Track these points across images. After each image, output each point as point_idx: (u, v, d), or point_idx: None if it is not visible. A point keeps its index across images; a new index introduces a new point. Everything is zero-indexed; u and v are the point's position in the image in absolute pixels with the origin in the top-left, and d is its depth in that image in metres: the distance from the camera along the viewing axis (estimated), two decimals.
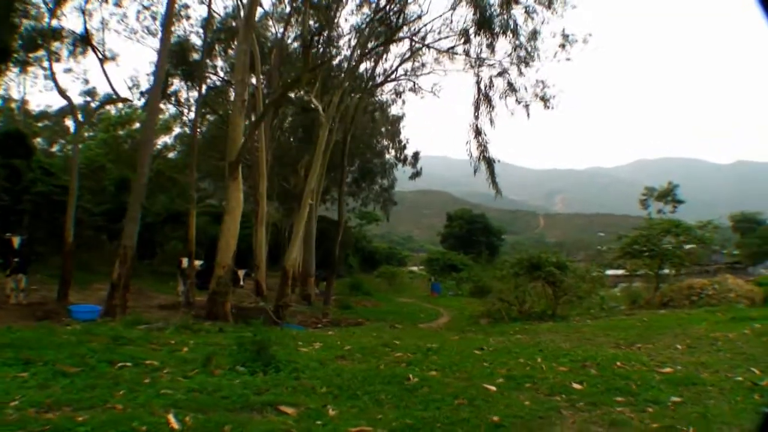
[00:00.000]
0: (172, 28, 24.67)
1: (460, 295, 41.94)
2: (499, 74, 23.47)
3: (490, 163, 22.45)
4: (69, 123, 52.89)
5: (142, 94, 30.67)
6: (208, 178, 53.96)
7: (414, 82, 30.57)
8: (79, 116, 25.64)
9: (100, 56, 23.67)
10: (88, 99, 45.50)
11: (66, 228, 19.02)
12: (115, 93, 25.46)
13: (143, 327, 11.92)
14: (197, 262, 21.73)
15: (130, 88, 32.38)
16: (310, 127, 35.43)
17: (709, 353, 10.80)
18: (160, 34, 20.25)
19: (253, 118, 21.75)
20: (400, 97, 35.54)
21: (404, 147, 44.55)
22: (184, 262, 21.70)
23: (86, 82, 44.22)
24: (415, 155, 44.72)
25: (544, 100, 23.01)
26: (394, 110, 41.55)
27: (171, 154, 52.49)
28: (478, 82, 22.44)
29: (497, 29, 21.26)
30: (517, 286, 20.41)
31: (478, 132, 22.14)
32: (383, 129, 43.35)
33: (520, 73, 23.06)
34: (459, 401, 6.61)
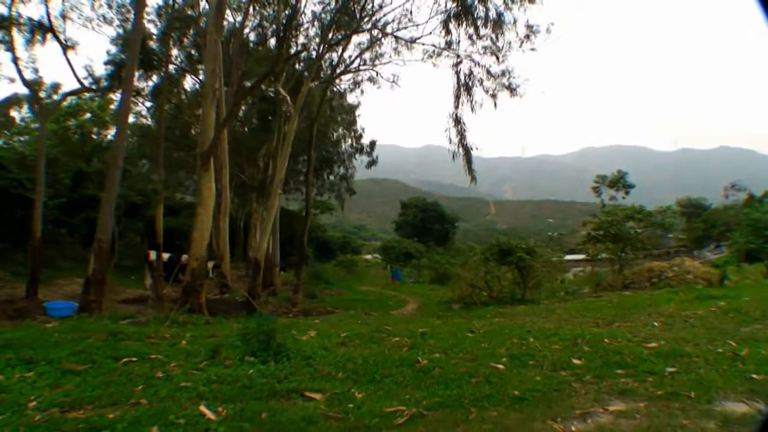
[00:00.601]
0: (129, 16, 24.19)
1: (422, 282, 42.31)
2: (476, 65, 23.60)
3: (467, 150, 22.68)
4: (14, 114, 51.03)
5: (110, 81, 29.57)
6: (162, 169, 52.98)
7: (377, 72, 30.50)
8: (36, 107, 24.75)
9: (63, 44, 22.96)
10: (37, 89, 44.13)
11: (34, 222, 18.24)
12: (80, 82, 24.79)
13: (126, 322, 11.76)
14: (165, 255, 21.33)
15: (85, 78, 31.36)
16: (266, 116, 35.25)
17: (684, 329, 11.35)
18: (132, 20, 19.61)
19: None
20: (358, 86, 35.43)
21: (361, 136, 44.56)
22: (152, 255, 21.27)
23: (36, 71, 42.70)
24: (372, 144, 44.74)
25: (511, 89, 23.27)
26: (351, 99, 41.44)
27: None
28: (457, 73, 22.54)
29: (477, 19, 21.36)
30: (487, 272, 20.78)
31: (457, 121, 22.31)
32: (339, 118, 43.20)
33: (497, 62, 23.17)
34: (476, 379, 6.86)
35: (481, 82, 22.68)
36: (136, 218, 38.44)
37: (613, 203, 52.68)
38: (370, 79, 32.53)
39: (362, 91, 37.72)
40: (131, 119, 45.65)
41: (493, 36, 22.13)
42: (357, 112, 42.97)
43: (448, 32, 22.40)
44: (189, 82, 37.25)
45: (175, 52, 33.13)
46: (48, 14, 22.90)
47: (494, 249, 21.12)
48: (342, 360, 7.77)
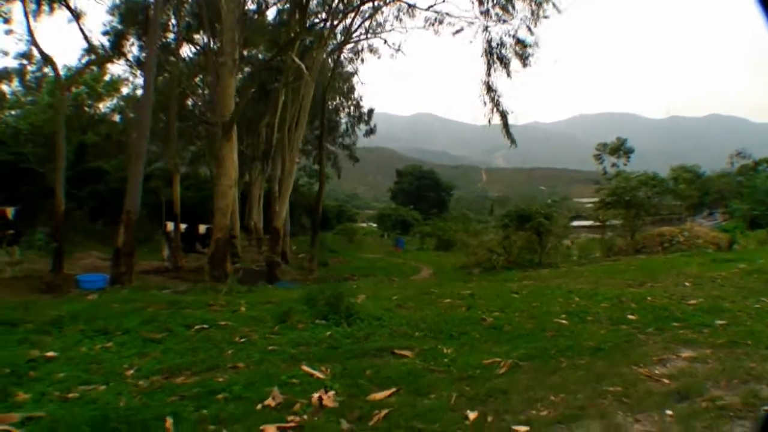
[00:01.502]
0: None
1: (426, 249, 42.51)
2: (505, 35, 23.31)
3: (504, 115, 22.72)
4: (4, 88, 50.21)
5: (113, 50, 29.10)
6: (157, 140, 52.64)
7: (385, 40, 30.19)
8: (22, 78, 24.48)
9: (74, 12, 22.73)
10: (25, 62, 43.41)
11: (56, 196, 18.07)
12: (94, 52, 24.49)
13: (168, 292, 11.85)
14: (182, 226, 21.34)
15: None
16: (266, 86, 34.95)
17: (715, 289, 11.63)
18: None
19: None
20: (359, 56, 35.07)
21: (359, 104, 44.39)
22: (169, 226, 21.29)
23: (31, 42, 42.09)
24: (370, 112, 44.71)
25: (523, 57, 23.09)
26: (350, 68, 41.13)
27: (116, 117, 50.90)
28: (489, 41, 22.32)
29: None
30: (506, 237, 21.01)
31: (489, 88, 22.26)
32: (337, 86, 42.90)
33: (530, 32, 22.87)
34: (549, 333, 7.15)
35: (500, 48, 22.45)
36: (145, 191, 38.08)
37: (615, 170, 52.77)
38: (370, 48, 32.38)
39: (362, 60, 37.52)
40: (125, 91, 45.50)
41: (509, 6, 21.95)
42: (354, 80, 42.59)
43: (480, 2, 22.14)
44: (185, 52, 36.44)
45: (173, 21, 32.65)
46: None
47: (513, 215, 21.39)
48: (411, 320, 7.94)
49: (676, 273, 14.28)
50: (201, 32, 30.71)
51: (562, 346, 6.46)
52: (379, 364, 5.77)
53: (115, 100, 50.10)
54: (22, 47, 31.05)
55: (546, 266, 19.32)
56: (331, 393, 4.77)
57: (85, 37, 24.01)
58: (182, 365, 5.74)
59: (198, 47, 32.72)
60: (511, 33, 22.03)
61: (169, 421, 4.08)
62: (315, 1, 26.06)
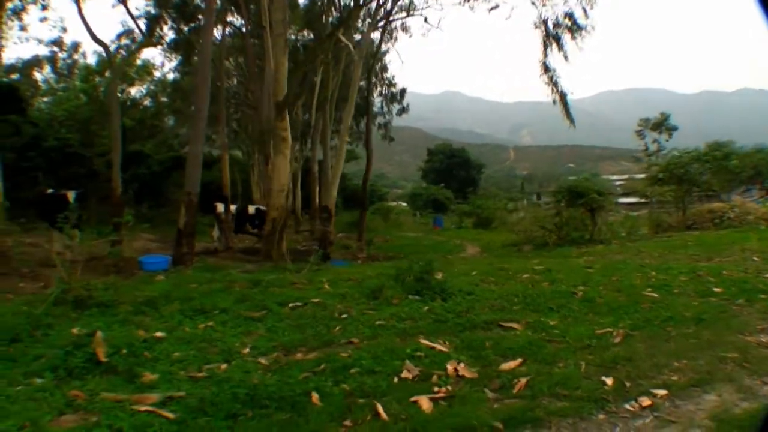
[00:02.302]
0: None
1: (465, 227, 42.36)
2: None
3: (563, 96, 22.54)
4: (37, 76, 51.00)
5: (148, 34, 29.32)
6: (186, 124, 52.97)
7: (425, 18, 29.82)
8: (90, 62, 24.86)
9: None
10: (56, 49, 43.90)
11: (113, 179, 18.41)
12: (143, 33, 24.82)
13: (237, 271, 12.01)
14: (251, 208, 21.52)
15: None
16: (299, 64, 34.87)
17: None
18: None
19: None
20: (392, 35, 34.73)
21: (391, 84, 44.11)
22: (219, 207, 21.47)
23: (64, 30, 42.76)
24: (402, 92, 44.44)
25: (572, 31, 22.65)
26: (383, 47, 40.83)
27: (146, 102, 51.39)
28: (545, 21, 22.06)
29: None
30: (557, 213, 20.97)
31: (546, 68, 22.12)
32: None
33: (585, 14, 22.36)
34: (644, 305, 7.18)
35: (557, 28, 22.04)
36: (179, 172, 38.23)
37: (657, 146, 51.95)
38: (403, 27, 32.16)
39: (395, 39, 37.18)
40: (158, 75, 45.89)
41: None
42: (386, 59, 42.25)
43: None
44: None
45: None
46: None
47: (564, 191, 21.29)
48: (503, 294, 7.98)
49: (739, 248, 14.06)
50: (234, 14, 30.91)
51: (663, 317, 6.54)
52: (494, 336, 5.86)
53: (146, 85, 50.74)
54: (54, 34, 31.40)
55: (597, 243, 19.20)
56: (462, 364, 4.85)
57: (134, 21, 24.29)
58: (294, 342, 5.84)
59: (233, 28, 32.64)
60: (567, 13, 21.55)
61: (316, 396, 4.18)
62: None
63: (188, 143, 16.14)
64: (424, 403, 4.03)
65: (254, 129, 38.18)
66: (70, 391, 4.24)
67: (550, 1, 21.44)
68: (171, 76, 48.09)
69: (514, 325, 6.30)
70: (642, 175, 35.33)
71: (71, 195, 15.73)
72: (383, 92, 44.27)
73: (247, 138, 47.10)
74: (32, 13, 25.46)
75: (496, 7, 24.75)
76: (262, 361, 5.20)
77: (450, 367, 4.79)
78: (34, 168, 26.57)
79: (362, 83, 42.99)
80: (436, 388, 4.34)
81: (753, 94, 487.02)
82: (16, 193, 19.35)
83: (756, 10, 1.98)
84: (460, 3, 25.50)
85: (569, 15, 21.47)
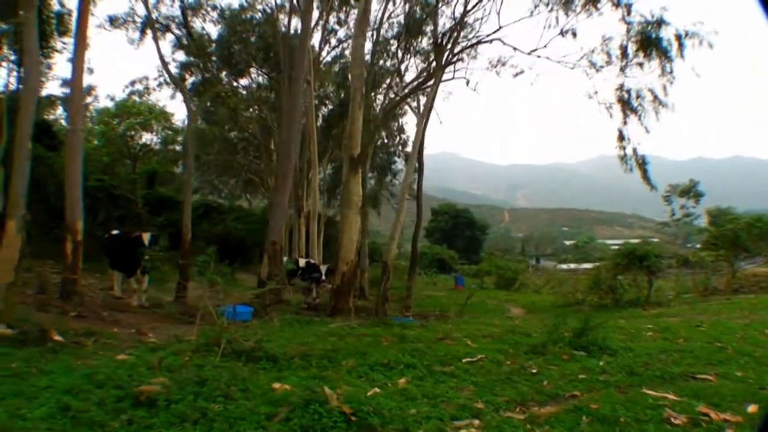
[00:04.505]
0: None
1: (486, 287, 42.10)
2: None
3: (642, 163, 22.81)
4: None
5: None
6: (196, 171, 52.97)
7: (467, 80, 30.26)
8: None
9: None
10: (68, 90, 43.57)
11: (183, 224, 18.18)
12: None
13: (336, 325, 11.85)
14: (302, 261, 21.37)
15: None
16: (329, 120, 35.29)
17: None
18: None
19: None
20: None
21: (405, 143, 44.35)
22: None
23: (91, 71, 42.89)
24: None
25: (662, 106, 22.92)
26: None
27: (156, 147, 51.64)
28: (623, 92, 22.47)
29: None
30: (614, 275, 21.05)
31: (621, 137, 22.51)
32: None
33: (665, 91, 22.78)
34: None
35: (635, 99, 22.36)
36: (209, 218, 37.70)
37: (684, 212, 53.00)
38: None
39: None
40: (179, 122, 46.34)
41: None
42: (403, 120, 42.60)
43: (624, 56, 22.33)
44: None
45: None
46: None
47: (623, 254, 21.46)
48: (656, 350, 8.35)
49: None
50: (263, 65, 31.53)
51: None
52: (705, 386, 6.12)
53: (159, 131, 51.03)
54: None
55: (654, 305, 19.33)
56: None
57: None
58: (514, 396, 5.87)
59: (266, 74, 33.09)
60: (647, 86, 21.91)
61: None
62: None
63: (275, 193, 16.02)
64: None
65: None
66: None
67: (632, 73, 21.81)
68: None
69: (708, 377, 6.55)
70: (636, 240, 36.18)
71: (146, 237, 15.38)
72: (396, 152, 44.51)
73: (265, 189, 47.11)
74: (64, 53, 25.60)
75: (521, 72, 25.39)
76: (511, 415, 5.24)
77: (713, 414, 4.93)
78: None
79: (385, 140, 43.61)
80: None
81: (745, 161, 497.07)
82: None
83: (756, 9, 2.01)
84: (488, 68, 26.17)
85: (651, 90, 21.82)
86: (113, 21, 25.55)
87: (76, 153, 13.78)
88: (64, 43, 25.79)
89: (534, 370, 6.94)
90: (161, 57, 22.20)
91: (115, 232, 17.49)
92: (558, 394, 5.95)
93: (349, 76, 17.99)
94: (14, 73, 26.97)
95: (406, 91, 26.09)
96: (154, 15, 24.26)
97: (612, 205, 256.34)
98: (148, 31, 24.54)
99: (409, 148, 43.06)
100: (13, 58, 27.78)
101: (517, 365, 7.21)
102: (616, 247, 76.49)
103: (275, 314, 14.29)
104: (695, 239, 60.11)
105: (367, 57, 23.00)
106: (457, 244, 79.60)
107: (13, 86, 27.47)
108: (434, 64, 22.94)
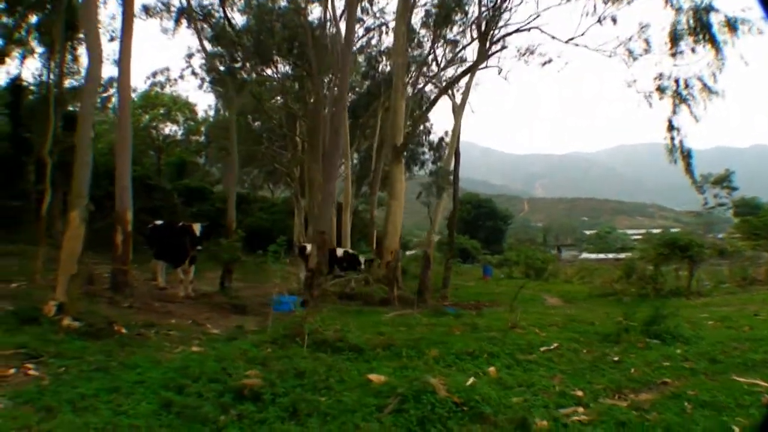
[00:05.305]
0: None
1: (515, 277, 41.97)
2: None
3: (688, 155, 22.56)
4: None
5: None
6: (219, 162, 53.22)
7: (499, 69, 30.24)
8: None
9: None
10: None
11: (228, 214, 18.28)
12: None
13: (392, 315, 11.91)
14: (340, 251, 21.30)
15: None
16: (356, 111, 35.24)
17: None
18: None
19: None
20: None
21: (430, 132, 44.32)
22: (309, 247, 21.21)
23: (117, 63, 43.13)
24: (440, 140, 44.61)
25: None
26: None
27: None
28: (670, 80, 22.19)
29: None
30: (656, 265, 20.88)
31: (670, 127, 22.22)
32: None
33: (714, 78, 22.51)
34: None
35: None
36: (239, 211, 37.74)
37: (717, 201, 52.56)
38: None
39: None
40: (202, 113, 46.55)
41: None
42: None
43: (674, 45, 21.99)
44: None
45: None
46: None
47: (666, 244, 21.27)
48: (726, 338, 8.46)
49: None
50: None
51: None
52: None
53: (182, 122, 51.34)
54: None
55: (696, 294, 19.19)
56: None
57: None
58: (607, 384, 5.95)
59: (294, 64, 32.98)
60: (696, 75, 21.51)
61: None
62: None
63: (324, 182, 16.00)
64: None
65: (305, 170, 38.53)
66: None
67: (682, 61, 21.38)
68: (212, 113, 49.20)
69: None
70: (657, 230, 35.75)
71: (197, 228, 15.43)
72: (420, 141, 44.43)
73: (290, 179, 47.16)
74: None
75: (550, 61, 25.19)
76: (614, 402, 5.35)
77: None
78: (110, 197, 26.38)
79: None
80: None
81: (766, 150, 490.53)
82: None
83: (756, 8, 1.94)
84: (516, 57, 25.98)
85: (700, 78, 21.38)
86: (148, 10, 25.58)
87: (125, 143, 13.85)
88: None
89: (616, 358, 7.02)
90: (203, 46, 22.28)
91: (158, 222, 17.49)
92: (649, 381, 6.06)
93: (392, 65, 18.03)
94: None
95: (446, 81, 25.76)
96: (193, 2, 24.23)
97: (630, 195, 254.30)
98: (183, 21, 24.67)
99: (432, 137, 43.63)
100: (41, 50, 28.30)
101: (596, 353, 7.30)
102: (638, 237, 75.78)
103: (318, 304, 14.33)
104: (719, 229, 59.63)
105: None
106: (479, 235, 79.31)
107: (44, 78, 27.97)
108: (463, 53, 22.71)
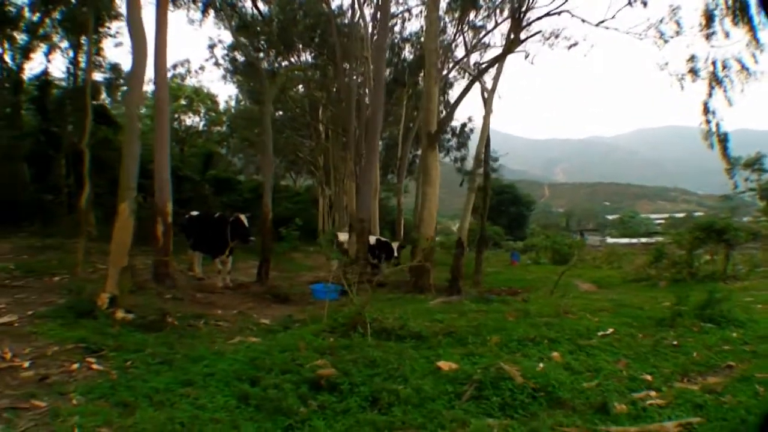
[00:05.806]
0: None
1: (542, 263, 41.85)
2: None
3: (723, 139, 22.37)
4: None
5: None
6: (241, 152, 53.54)
7: (526, 53, 30.06)
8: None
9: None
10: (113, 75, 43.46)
11: (264, 203, 18.30)
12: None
13: (437, 302, 11.96)
14: (372, 238, 21.25)
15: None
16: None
17: None
18: None
19: None
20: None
21: (452, 118, 44.17)
22: (341, 236, 21.26)
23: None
24: (463, 126, 44.48)
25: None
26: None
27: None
28: (713, 63, 21.90)
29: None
30: (691, 249, 20.66)
31: (706, 110, 21.97)
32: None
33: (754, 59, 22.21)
34: None
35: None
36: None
37: (748, 185, 51.83)
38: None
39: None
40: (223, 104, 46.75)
41: None
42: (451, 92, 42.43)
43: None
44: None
45: None
46: None
47: (702, 228, 21.03)
48: None
49: None
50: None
51: None
52: None
53: (203, 113, 51.68)
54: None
55: (733, 278, 19.03)
56: None
57: None
58: (677, 368, 6.04)
59: (317, 53, 32.99)
60: (734, 56, 21.14)
61: None
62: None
63: (363, 171, 16.11)
64: None
65: (329, 159, 38.68)
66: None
67: (717, 43, 21.03)
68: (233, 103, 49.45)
69: None
70: (681, 215, 35.40)
71: (244, 218, 15.51)
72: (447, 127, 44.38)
73: (314, 168, 47.28)
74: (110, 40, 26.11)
75: (575, 44, 24.85)
76: (685, 386, 5.43)
77: None
78: (140, 189, 26.57)
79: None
80: None
81: None
82: None
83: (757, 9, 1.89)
84: (541, 41, 25.67)
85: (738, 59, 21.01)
86: (175, 1, 25.67)
87: (163, 135, 14.01)
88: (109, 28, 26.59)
89: (675, 342, 7.06)
90: (235, 37, 22.27)
91: (194, 213, 17.64)
92: (713, 365, 6.13)
93: (424, 51, 17.89)
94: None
95: (474, 67, 25.72)
96: None
97: (651, 179, 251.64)
98: (209, 11, 24.78)
99: (454, 123, 43.50)
100: (64, 45, 28.55)
101: (653, 338, 7.31)
102: (662, 221, 74.72)
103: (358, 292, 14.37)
104: (744, 213, 58.72)
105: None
106: (501, 221, 78.77)
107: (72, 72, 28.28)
108: (487, 38, 22.43)
